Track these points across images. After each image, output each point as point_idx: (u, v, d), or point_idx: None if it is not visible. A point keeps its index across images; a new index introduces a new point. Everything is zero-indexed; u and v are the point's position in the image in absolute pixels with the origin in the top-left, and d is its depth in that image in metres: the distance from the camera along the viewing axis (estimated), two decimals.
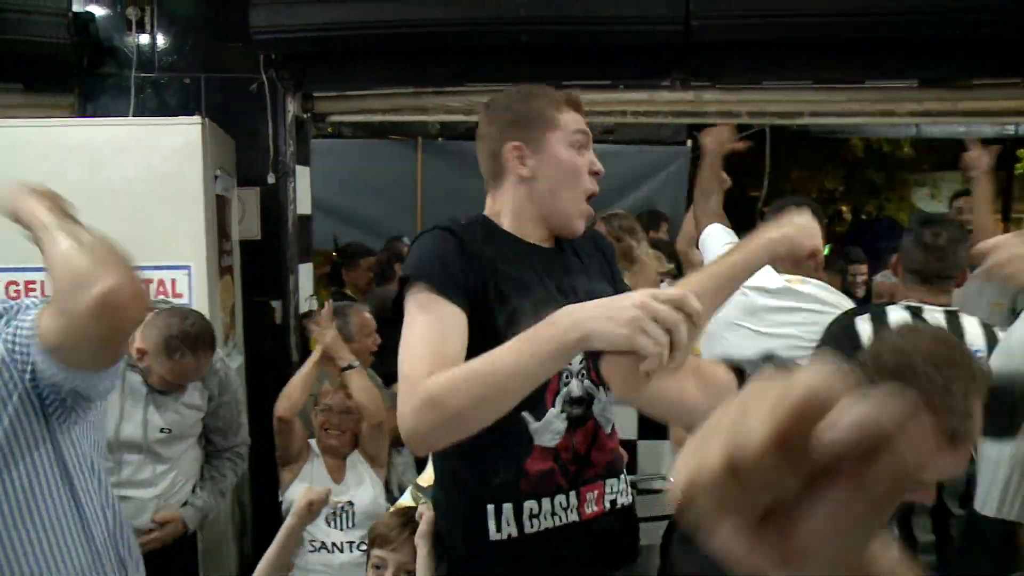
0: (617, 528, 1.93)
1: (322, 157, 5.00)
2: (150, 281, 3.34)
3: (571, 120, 1.88)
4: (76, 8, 4.06)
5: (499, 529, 1.79)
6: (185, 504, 3.08)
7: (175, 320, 2.88)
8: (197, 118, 3.47)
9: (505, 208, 1.89)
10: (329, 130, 5.52)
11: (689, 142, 7.13)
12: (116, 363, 1.62)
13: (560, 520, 1.81)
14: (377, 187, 6.61)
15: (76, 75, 4.14)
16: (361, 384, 3.41)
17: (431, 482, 3.20)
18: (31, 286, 3.34)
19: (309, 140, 4.55)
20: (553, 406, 1.80)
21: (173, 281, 3.33)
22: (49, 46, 3.94)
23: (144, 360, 2.87)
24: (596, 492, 1.87)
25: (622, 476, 1.94)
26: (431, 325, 1.62)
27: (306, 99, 4.39)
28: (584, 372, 1.85)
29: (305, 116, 4.41)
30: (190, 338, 2.85)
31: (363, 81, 4.34)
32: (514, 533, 1.79)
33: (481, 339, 1.67)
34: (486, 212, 1.92)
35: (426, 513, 2.43)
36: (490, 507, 1.79)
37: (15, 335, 1.56)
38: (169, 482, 3.03)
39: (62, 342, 1.51)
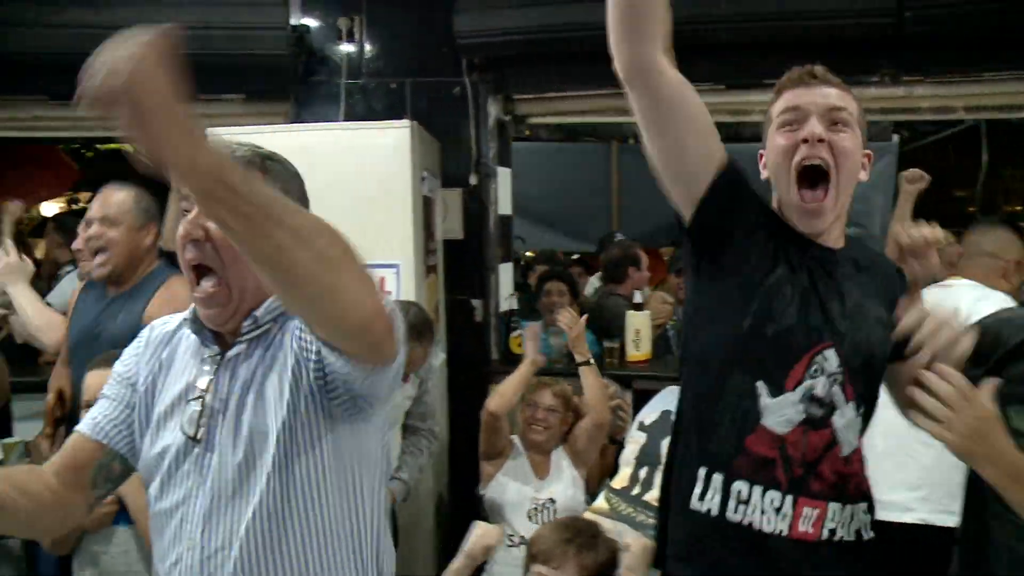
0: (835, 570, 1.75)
1: (518, 159, 5.08)
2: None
3: (779, 105, 1.81)
4: (293, 21, 4.29)
5: (701, 497, 1.73)
6: (391, 480, 3.19)
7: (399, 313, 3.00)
8: (406, 121, 3.59)
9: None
10: (527, 133, 5.59)
11: (895, 137, 6.78)
12: (396, 357, 1.50)
13: (768, 523, 1.70)
14: (572, 190, 6.64)
15: (292, 83, 4.36)
16: (594, 382, 3.45)
17: (624, 484, 3.21)
18: None
19: (510, 142, 4.63)
20: (793, 391, 1.71)
21: (382, 279, 3.43)
22: (269, 58, 4.18)
23: None
24: (816, 511, 1.72)
25: (849, 507, 1.77)
26: None
27: (507, 101, 4.47)
28: (839, 379, 1.73)
29: (506, 118, 4.49)
30: (415, 328, 2.98)
31: (563, 83, 4.37)
32: (715, 510, 1.72)
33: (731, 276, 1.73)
34: None
35: (634, 543, 2.41)
36: (701, 471, 1.74)
37: (302, 329, 1.50)
38: None
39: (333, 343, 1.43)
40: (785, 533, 1.70)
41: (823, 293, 1.74)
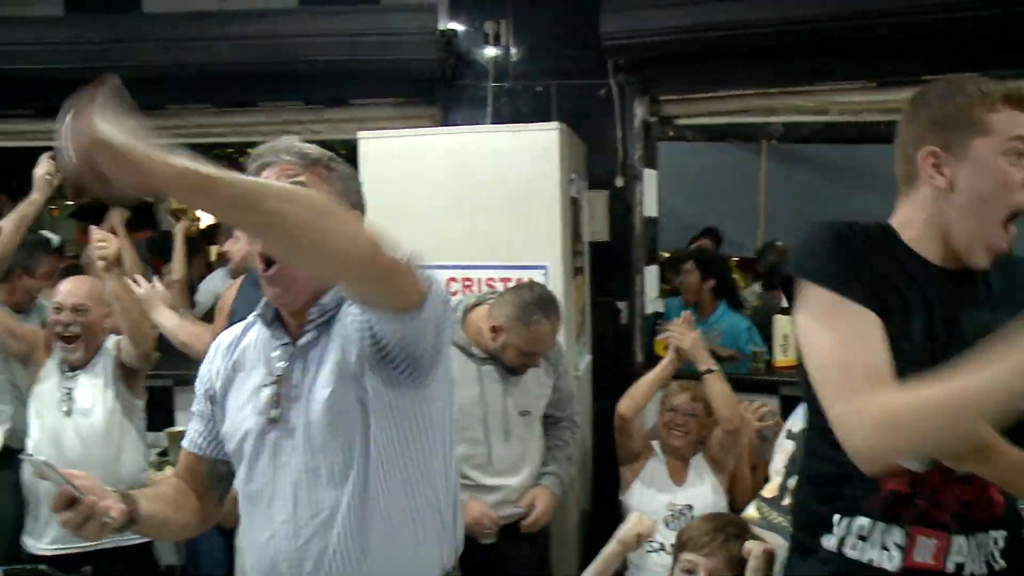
0: None
1: (662, 160, 5.03)
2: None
3: (1008, 123, 1.59)
4: (440, 26, 4.36)
5: (819, 534, 1.67)
6: (543, 476, 3.19)
7: (524, 291, 3.06)
8: (556, 124, 3.58)
9: (913, 219, 1.67)
10: (671, 133, 5.53)
11: None
12: (426, 296, 1.57)
13: (887, 560, 1.60)
14: (716, 191, 6.55)
15: (440, 87, 4.44)
16: (719, 390, 3.38)
17: (774, 494, 3.14)
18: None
19: (656, 143, 4.59)
20: None
21: (530, 280, 3.45)
22: (418, 63, 4.28)
23: (499, 337, 3.00)
24: (935, 541, 1.59)
25: (978, 536, 1.62)
26: (851, 332, 1.51)
27: (653, 103, 4.44)
28: None
29: (652, 120, 4.45)
30: (543, 304, 3.00)
31: (710, 83, 4.31)
32: (833, 547, 1.65)
33: None
34: (892, 220, 1.70)
35: (755, 548, 2.36)
36: (822, 508, 1.67)
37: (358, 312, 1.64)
38: (531, 463, 3.17)
39: (393, 308, 1.54)
40: (900, 565, 1.60)
41: (940, 324, 1.59)
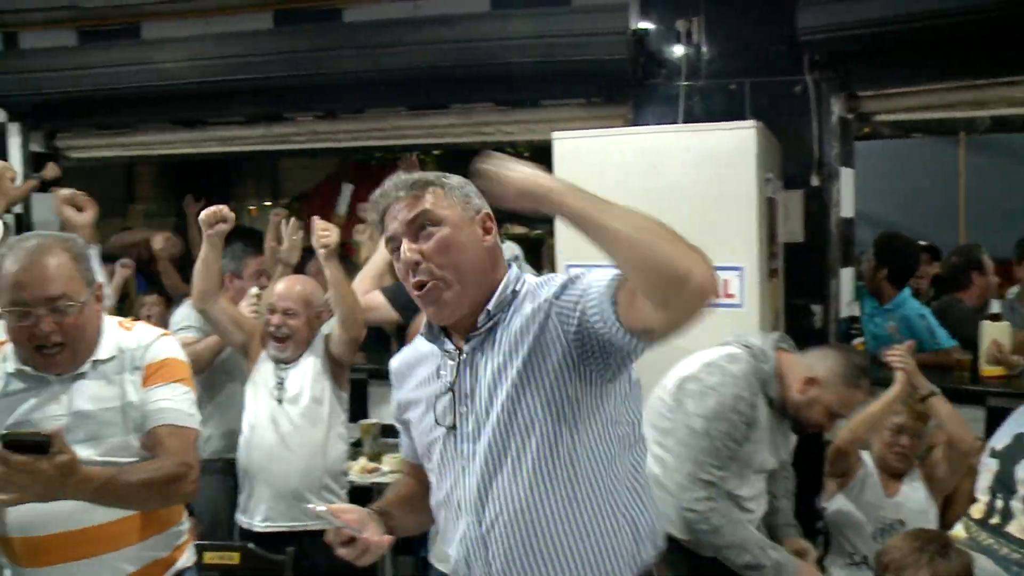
0: None
1: (858, 157, 4.86)
2: None
3: None
4: (631, 26, 4.35)
5: None
6: (789, 527, 3.15)
7: (850, 353, 3.04)
8: (752, 122, 3.52)
9: None
10: (865, 130, 5.32)
11: None
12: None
13: None
14: (914, 189, 6.25)
15: (631, 87, 4.43)
16: (947, 411, 3.27)
17: (982, 514, 2.99)
18: None
19: (853, 141, 4.44)
20: None
21: (726, 282, 3.39)
22: (610, 62, 4.28)
23: (811, 390, 2.88)
24: None
25: None
26: None
27: (851, 98, 4.29)
28: None
29: (850, 116, 4.30)
30: (866, 372, 2.94)
31: (913, 76, 4.13)
32: None
33: None
34: None
35: None
36: None
37: (581, 296, 1.67)
38: (759, 510, 3.05)
39: (654, 328, 1.56)
40: None
41: None
